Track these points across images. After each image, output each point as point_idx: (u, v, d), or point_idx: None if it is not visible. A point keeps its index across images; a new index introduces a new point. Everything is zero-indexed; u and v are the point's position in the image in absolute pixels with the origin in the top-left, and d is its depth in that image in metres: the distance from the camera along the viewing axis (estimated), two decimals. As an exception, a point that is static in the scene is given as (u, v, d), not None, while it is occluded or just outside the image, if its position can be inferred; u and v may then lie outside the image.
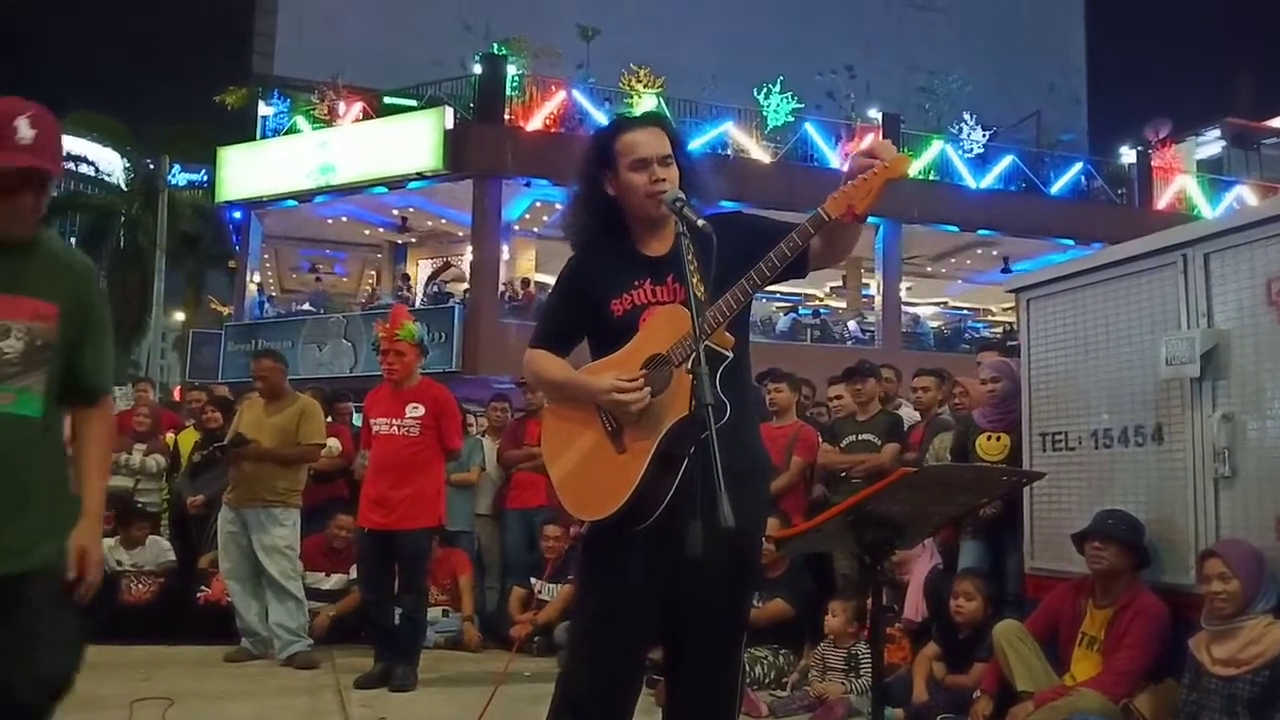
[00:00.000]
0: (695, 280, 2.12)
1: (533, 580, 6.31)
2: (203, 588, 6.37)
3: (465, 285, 17.84)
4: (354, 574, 6.20)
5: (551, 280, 18.09)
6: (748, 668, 4.64)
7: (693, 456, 2.06)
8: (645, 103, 18.02)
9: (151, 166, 24.52)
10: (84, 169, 26.13)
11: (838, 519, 2.51)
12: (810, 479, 5.83)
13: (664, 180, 2.27)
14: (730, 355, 2.19)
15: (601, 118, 18.06)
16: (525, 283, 18.15)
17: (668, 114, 17.62)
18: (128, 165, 25.27)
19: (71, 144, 27.64)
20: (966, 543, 4.88)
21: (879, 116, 20.06)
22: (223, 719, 4.25)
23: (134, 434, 7.43)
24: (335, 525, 6.37)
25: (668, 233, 2.31)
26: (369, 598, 5.29)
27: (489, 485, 7.13)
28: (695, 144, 17.26)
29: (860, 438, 5.60)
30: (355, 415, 8.94)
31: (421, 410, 5.14)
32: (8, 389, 2.09)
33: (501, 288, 17.49)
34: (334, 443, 6.58)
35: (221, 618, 5.88)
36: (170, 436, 7.93)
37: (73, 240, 27.29)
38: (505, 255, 17.97)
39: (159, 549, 6.70)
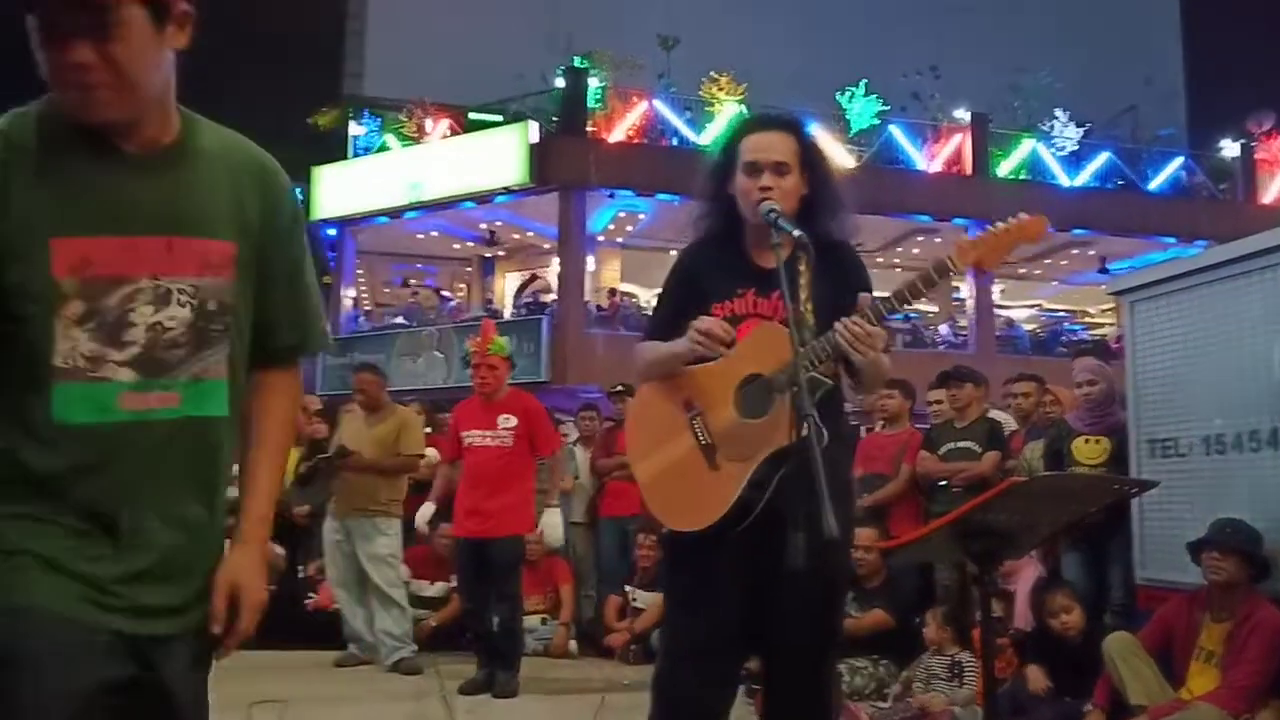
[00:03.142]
0: (805, 301, 2.10)
1: (627, 588, 6.37)
2: (311, 594, 6.59)
3: (552, 296, 18.06)
4: (454, 582, 6.35)
5: (636, 289, 18.18)
6: (847, 678, 4.61)
7: (788, 474, 2.06)
8: (727, 110, 18.01)
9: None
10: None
11: (944, 529, 2.49)
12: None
13: (770, 189, 2.20)
14: (831, 383, 2.19)
15: (683, 126, 18.14)
16: (611, 293, 18.29)
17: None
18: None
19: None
20: (1068, 554, 4.78)
21: (967, 116, 19.69)
22: (335, 722, 4.38)
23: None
24: (439, 535, 6.53)
25: (783, 246, 2.23)
26: (467, 605, 5.41)
27: (582, 494, 7.22)
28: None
29: (959, 445, 5.51)
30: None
31: (514, 421, 5.24)
32: (173, 383, 1.39)
33: (587, 298, 17.65)
34: (433, 452, 6.74)
35: (329, 624, 6.07)
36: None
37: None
38: (590, 266, 18.14)
39: (273, 555, 6.94)
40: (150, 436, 1.39)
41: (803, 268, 2.14)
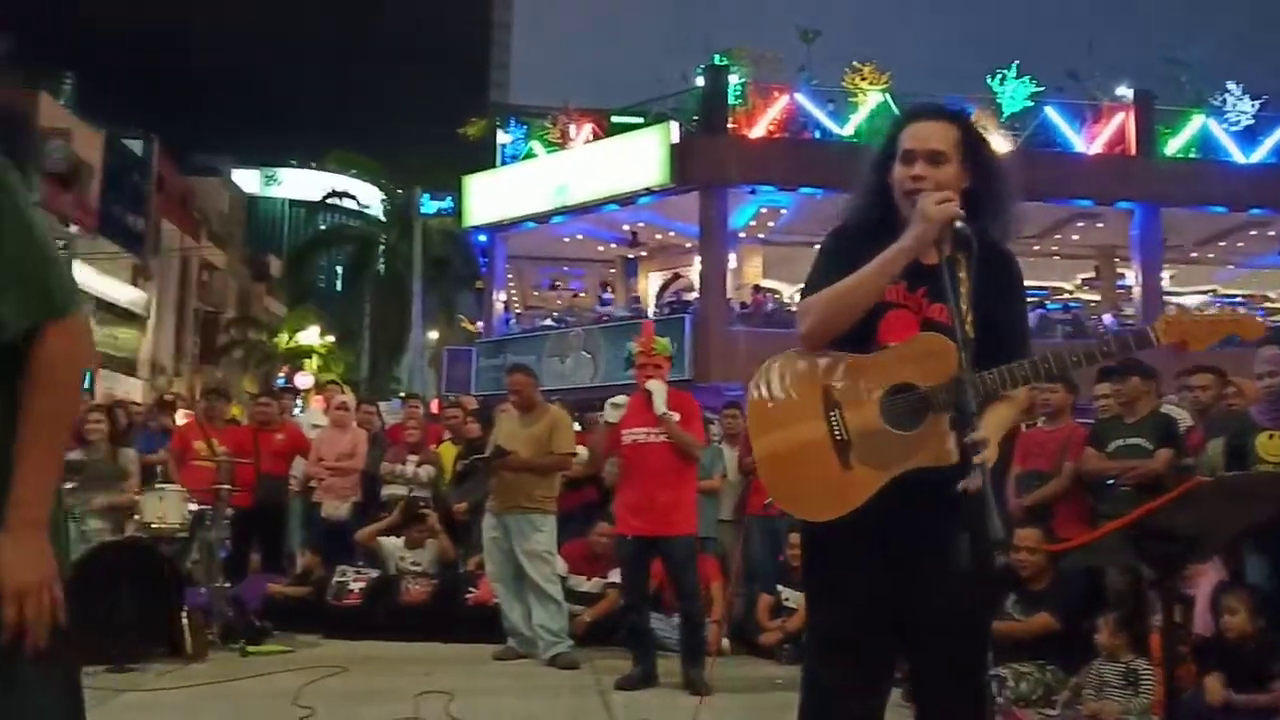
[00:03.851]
0: (965, 312, 2.05)
1: (779, 587, 6.33)
2: (471, 589, 6.83)
3: (695, 295, 18.11)
4: (611, 578, 6.47)
5: (779, 285, 17.97)
6: (1012, 683, 4.46)
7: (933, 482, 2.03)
8: (871, 100, 17.65)
9: (404, 197, 26.53)
10: (347, 203, 28.60)
11: (1118, 533, 2.38)
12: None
13: (924, 179, 2.15)
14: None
15: (825, 119, 17.86)
16: (754, 289, 18.20)
17: (897, 111, 17.25)
18: (384, 198, 27.41)
19: (335, 181, 30.40)
20: (1251, 556, 4.48)
21: (1129, 94, 18.65)
22: (496, 714, 4.53)
23: (407, 445, 8.07)
24: (596, 533, 6.66)
25: (942, 242, 2.15)
26: (628, 601, 5.49)
27: (731, 491, 7.23)
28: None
29: (1128, 442, 5.24)
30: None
31: (676, 418, 5.30)
32: None
33: (730, 296, 17.62)
34: (583, 450, 6.89)
35: (489, 618, 6.27)
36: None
37: (339, 270, 29.96)
38: (732, 263, 18.10)
39: (438, 551, 7.21)
40: None
41: (963, 273, 2.08)
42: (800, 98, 17.96)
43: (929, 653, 2.18)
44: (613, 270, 21.30)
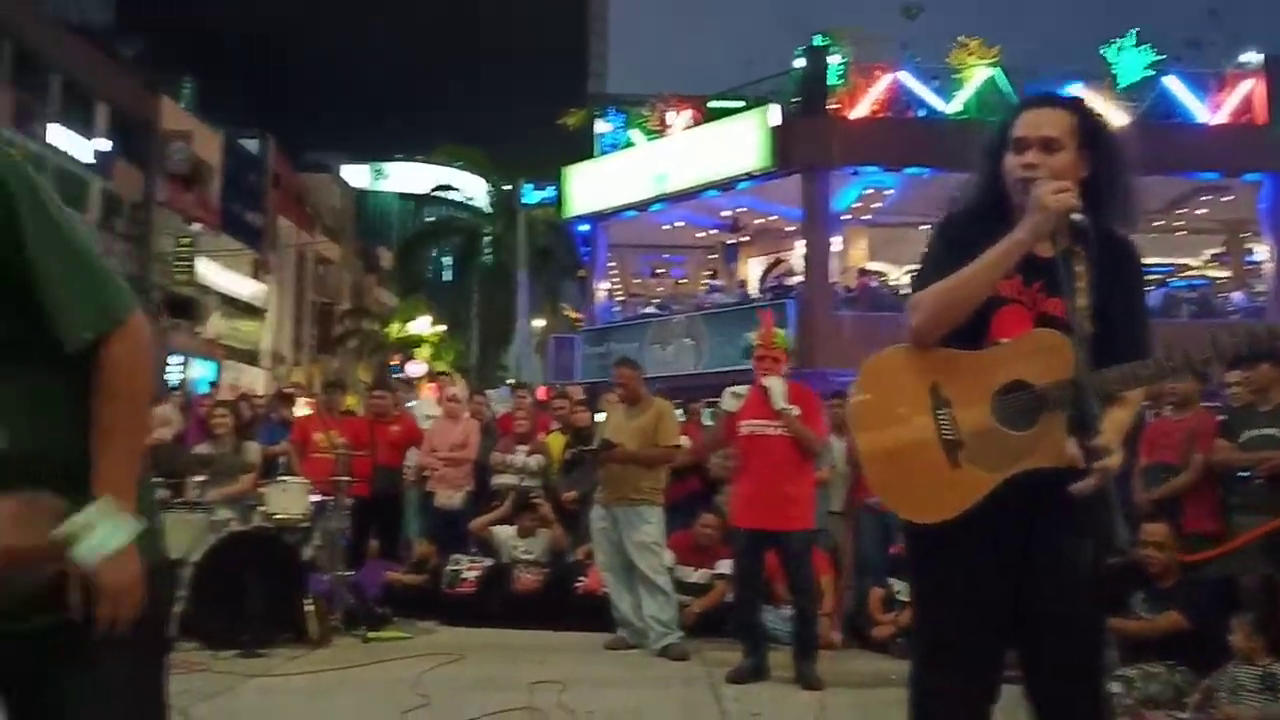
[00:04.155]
0: (1083, 309, 1.98)
1: (891, 580, 6.24)
2: (580, 578, 6.93)
3: (798, 279, 17.93)
4: (718, 569, 6.48)
5: (885, 267, 17.57)
6: (1140, 684, 4.30)
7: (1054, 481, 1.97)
8: (978, 75, 17.12)
9: (509, 189, 26.96)
10: (453, 195, 29.22)
11: (1262, 540, 2.27)
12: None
13: (1036, 167, 2.08)
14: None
15: (930, 96, 17.41)
16: (860, 272, 17.91)
17: (1006, 86, 16.71)
18: (489, 189, 27.91)
19: (441, 173, 31.09)
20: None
21: (1258, 59, 17.63)
22: (608, 705, 4.57)
23: (516, 435, 8.21)
24: (701, 524, 6.68)
25: (1058, 234, 2.08)
26: (741, 594, 5.48)
27: (840, 483, 7.14)
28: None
29: (1263, 432, 4.97)
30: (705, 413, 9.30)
31: (796, 411, 5.26)
32: None
33: (834, 279, 17.38)
34: (685, 440, 6.91)
35: (598, 607, 6.35)
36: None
37: (446, 261, 30.62)
38: (836, 246, 17.84)
39: (550, 540, 7.34)
40: None
41: (1080, 267, 2.01)
42: (904, 76, 17.55)
43: (1044, 654, 2.12)
44: (713, 256, 21.23)
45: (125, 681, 1.49)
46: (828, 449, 7.06)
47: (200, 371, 28.12)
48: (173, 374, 26.26)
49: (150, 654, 1.57)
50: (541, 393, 23.20)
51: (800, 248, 17.81)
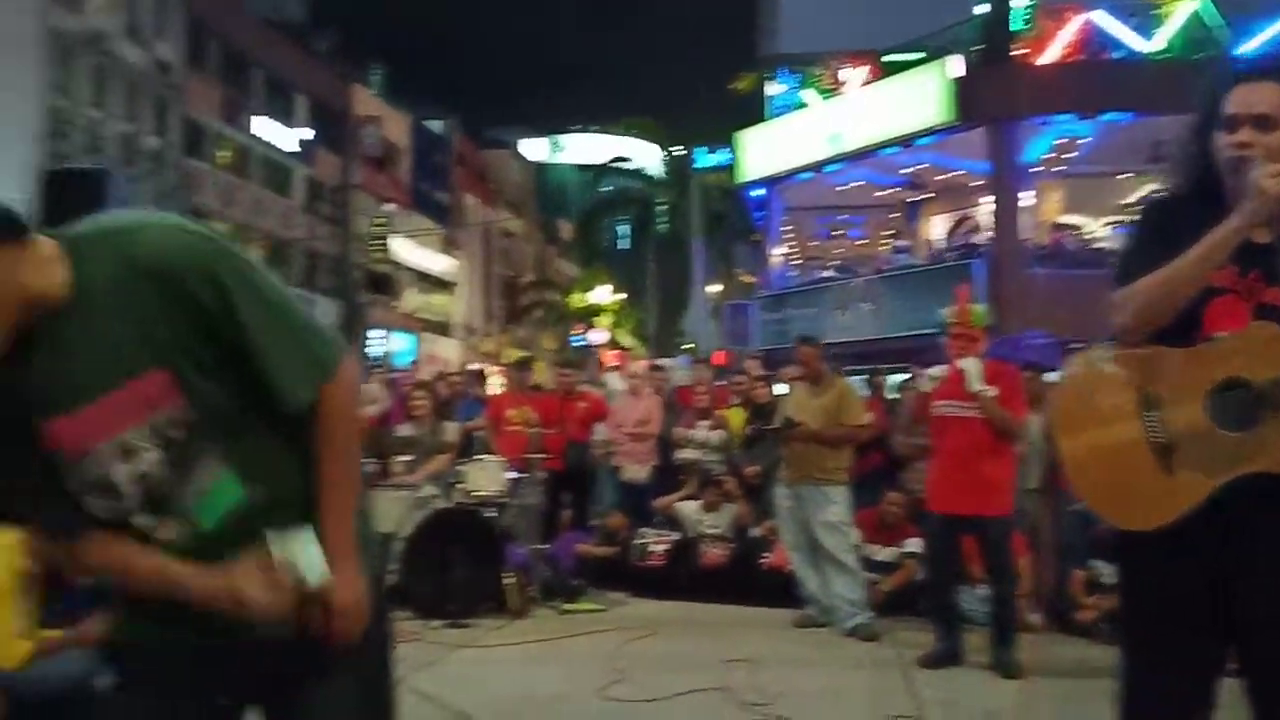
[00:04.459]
0: None
1: (1093, 562, 5.97)
2: (765, 554, 6.98)
3: (986, 237, 17.18)
4: (907, 547, 6.39)
5: (1082, 221, 16.45)
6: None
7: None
8: (1182, 10, 15.80)
9: (682, 155, 27.06)
10: (629, 165, 29.59)
11: None
12: None
13: (1250, 146, 1.93)
14: None
15: (1129, 34, 16.21)
16: (1054, 227, 16.97)
17: (1215, 19, 15.34)
18: (664, 155, 28.09)
19: (616, 143, 31.49)
20: None
21: None
22: (798, 686, 4.61)
23: (697, 410, 8.33)
24: (888, 502, 6.60)
25: (1276, 219, 1.94)
26: (934, 578, 5.39)
27: (1036, 459, 6.85)
28: (1254, 45, 14.78)
29: None
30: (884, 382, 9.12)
31: (993, 392, 5.10)
32: (179, 513, 1.51)
33: (1025, 236, 16.55)
34: (869, 417, 6.80)
35: (785, 583, 6.38)
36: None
37: (624, 230, 31.07)
38: (1027, 200, 16.97)
39: (734, 515, 7.43)
40: (193, 552, 1.53)
41: None
42: (1098, 16, 16.40)
43: (1267, 659, 2.00)
44: (894, 216, 20.62)
45: (358, 685, 1.66)
46: (1026, 428, 6.82)
47: (399, 344, 29.79)
48: (375, 347, 27.95)
49: (377, 656, 1.73)
50: (719, 358, 23.33)
51: (988, 204, 17.04)
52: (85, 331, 1.38)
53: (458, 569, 6.16)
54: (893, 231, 20.12)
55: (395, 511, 6.38)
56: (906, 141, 17.16)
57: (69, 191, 7.71)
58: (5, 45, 20.23)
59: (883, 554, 6.59)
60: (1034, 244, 16.58)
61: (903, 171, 18.82)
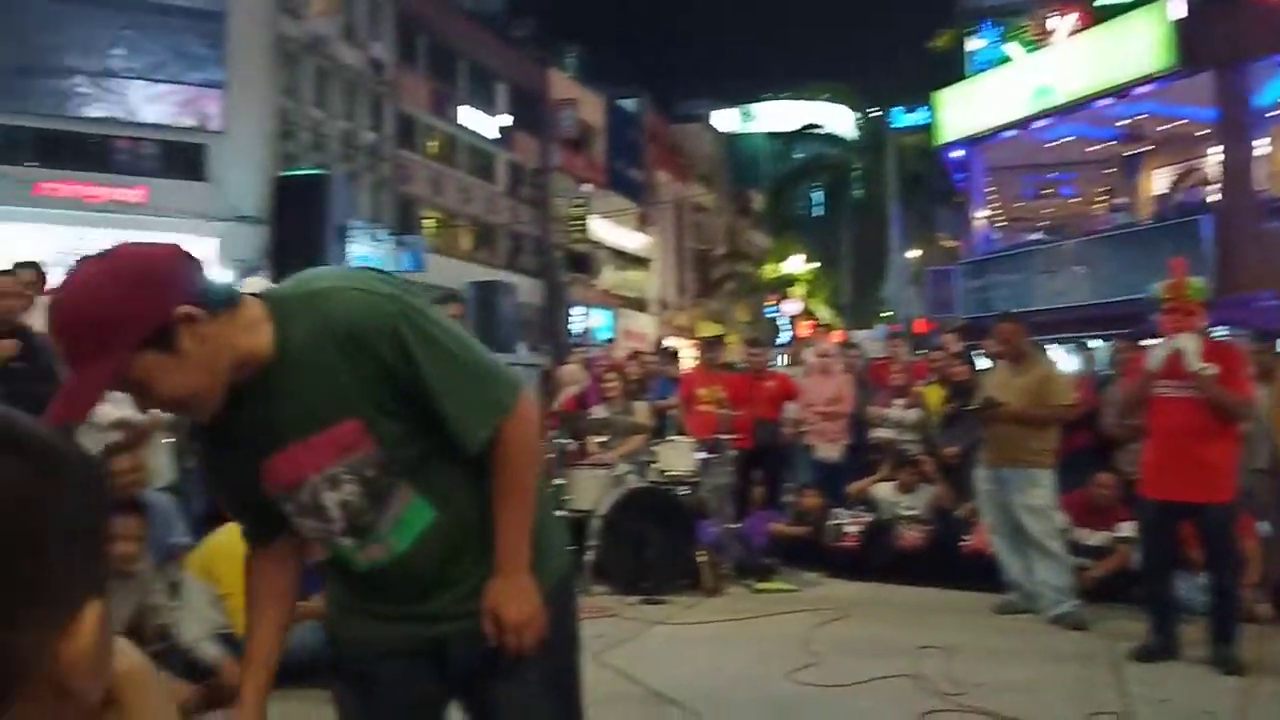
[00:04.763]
0: None
1: (1334, 551, 5.47)
2: (965, 536, 6.79)
3: (1214, 190, 15.80)
4: (1119, 531, 6.07)
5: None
6: None
7: None
8: None
9: (877, 116, 26.28)
10: (821, 130, 29.05)
11: None
12: None
13: None
14: None
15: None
16: (1295, 177, 15.41)
17: None
18: (858, 118, 27.38)
19: (807, 109, 30.96)
20: None
21: None
22: (997, 677, 4.47)
23: (892, 388, 8.17)
24: (1098, 484, 6.28)
25: None
26: (1150, 566, 5.08)
27: (1262, 436, 6.32)
28: None
29: None
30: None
31: (1212, 371, 4.76)
32: (378, 536, 1.69)
33: (1261, 187, 15.10)
34: (1074, 395, 6.47)
35: (986, 567, 6.19)
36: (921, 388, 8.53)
37: (817, 198, 30.59)
38: (1262, 149, 15.46)
39: (931, 496, 7.27)
40: (388, 569, 1.72)
41: None
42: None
43: None
44: (1109, 171, 19.28)
45: (542, 683, 1.81)
46: (1250, 407, 6.30)
47: (598, 320, 30.63)
48: (576, 323, 28.86)
49: (561, 654, 1.86)
50: (920, 325, 22.67)
51: (1215, 154, 15.65)
52: (288, 385, 1.57)
53: (652, 547, 6.35)
54: (1108, 188, 18.83)
55: (592, 490, 6.64)
56: (1122, 91, 16.02)
57: (296, 194, 8.44)
58: (243, 54, 22.12)
59: (1094, 538, 6.27)
60: (1269, 196, 15.11)
61: (1118, 124, 17.58)
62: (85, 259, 1.43)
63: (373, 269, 1.72)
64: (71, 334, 1.37)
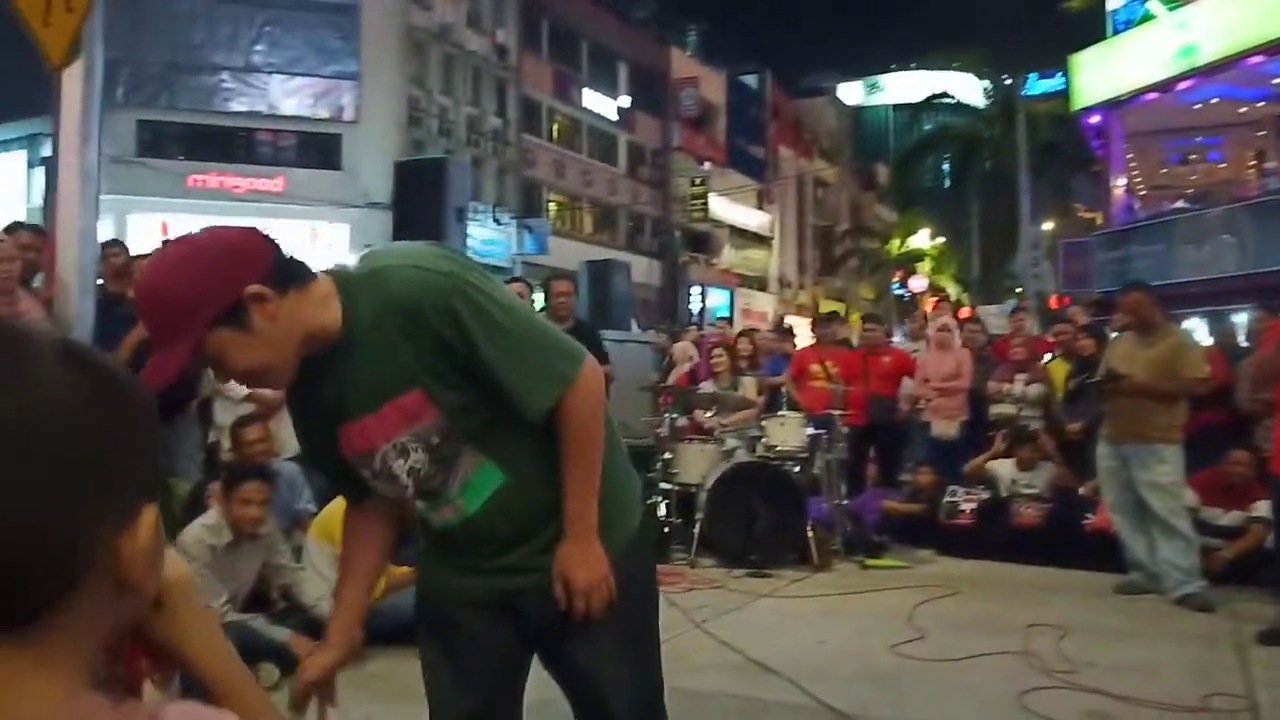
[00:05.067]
0: None
1: None
2: (1088, 514, 6.55)
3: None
4: (1254, 511, 5.76)
5: None
6: None
7: None
8: None
9: (1009, 84, 25.27)
10: (948, 100, 28.11)
11: None
12: None
13: None
14: None
15: None
16: None
17: None
18: (988, 87, 26.39)
19: (935, 79, 30.02)
20: None
21: None
22: (1113, 657, 4.32)
23: (1014, 363, 7.92)
24: (1232, 461, 5.96)
25: None
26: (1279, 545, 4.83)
27: None
28: None
29: None
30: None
31: None
32: (449, 499, 1.78)
33: None
34: (1207, 368, 6.14)
35: (1108, 546, 5.96)
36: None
37: (943, 171, 29.69)
38: None
39: (1052, 474, 7.04)
40: (463, 528, 1.80)
41: None
42: None
43: None
44: (1261, 134, 18.05)
45: (614, 646, 1.84)
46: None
47: (717, 299, 30.57)
48: (694, 303, 28.89)
49: (635, 615, 1.89)
50: (1054, 301, 21.76)
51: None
52: (355, 359, 1.64)
53: (760, 520, 6.35)
54: (1258, 152, 17.63)
55: (700, 464, 6.69)
56: (1274, 47, 14.93)
57: (417, 179, 8.74)
58: (375, 45, 22.92)
59: (1226, 518, 5.97)
60: None
61: (1274, 82, 16.41)
62: (166, 243, 1.55)
63: (439, 245, 1.78)
64: (152, 315, 1.49)
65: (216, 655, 0.79)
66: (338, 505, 4.41)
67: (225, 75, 22.37)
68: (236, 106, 22.45)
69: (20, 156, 22.93)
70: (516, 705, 1.94)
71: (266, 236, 1.58)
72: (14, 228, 4.97)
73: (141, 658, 0.79)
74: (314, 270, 1.64)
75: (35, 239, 4.98)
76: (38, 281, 4.96)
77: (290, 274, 1.57)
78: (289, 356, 1.60)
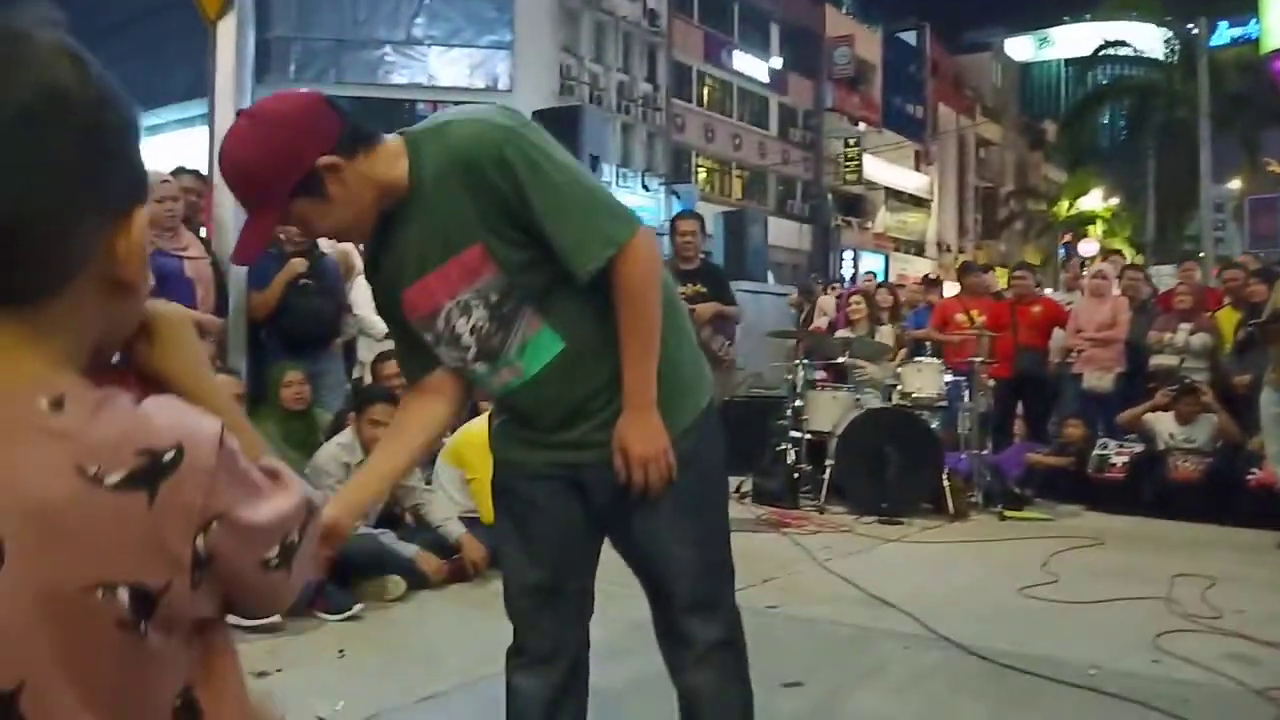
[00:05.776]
0: None
1: None
2: (1253, 470, 6.11)
3: None
4: None
5: None
6: None
7: None
8: None
9: (1193, 31, 23.47)
10: (1123, 52, 26.36)
11: None
12: None
13: None
14: None
15: None
16: None
17: None
18: (1169, 36, 24.62)
19: (1110, 29, 28.18)
20: None
21: None
22: (1259, 606, 4.02)
23: (1178, 312, 7.43)
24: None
25: None
26: None
27: None
28: None
29: None
30: None
31: None
32: (510, 360, 1.79)
33: None
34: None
35: (1272, 502, 5.56)
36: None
37: (1116, 127, 27.91)
38: None
39: (1212, 427, 6.59)
40: (525, 393, 1.82)
41: None
42: None
43: None
44: None
45: (675, 517, 1.84)
46: None
47: (871, 264, 29.84)
48: (846, 268, 28.30)
49: (699, 487, 1.87)
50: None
51: None
52: (422, 213, 1.71)
53: (892, 467, 6.21)
54: None
55: (832, 411, 6.58)
56: None
57: (550, 127, 8.88)
58: (528, 15, 23.37)
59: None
60: None
61: None
62: (240, 114, 1.66)
63: (506, 107, 1.81)
64: (237, 188, 1.62)
65: (204, 385, 0.85)
66: (470, 430, 4.60)
67: (388, 49, 23.29)
68: (398, 79, 23.35)
69: (203, 132, 24.54)
70: (587, 581, 1.96)
71: (332, 101, 1.66)
72: (179, 171, 5.32)
73: (140, 389, 0.85)
74: (380, 132, 1.71)
75: (197, 183, 5.33)
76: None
77: (358, 137, 1.65)
78: (365, 213, 1.70)
